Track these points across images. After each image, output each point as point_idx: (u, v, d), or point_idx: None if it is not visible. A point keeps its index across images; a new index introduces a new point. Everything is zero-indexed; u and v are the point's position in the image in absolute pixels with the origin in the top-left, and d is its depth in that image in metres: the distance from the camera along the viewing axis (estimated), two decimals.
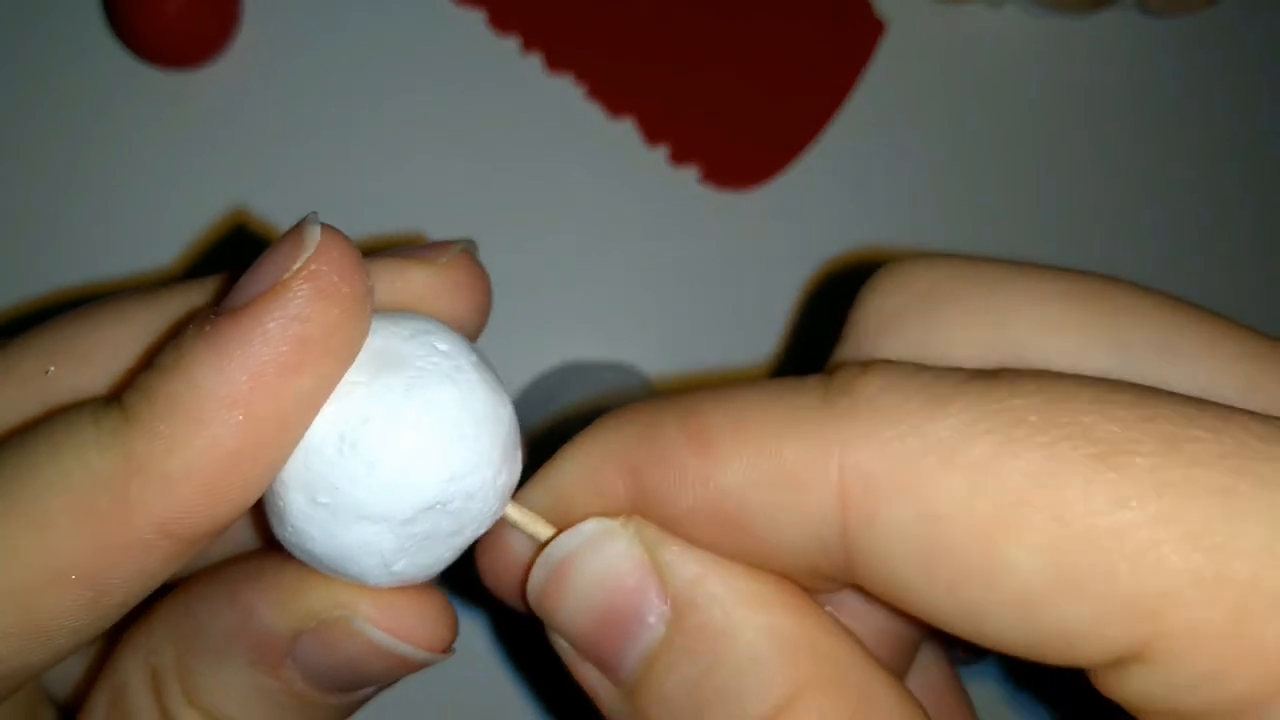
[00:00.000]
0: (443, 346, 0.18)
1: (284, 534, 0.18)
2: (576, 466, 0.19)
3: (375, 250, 0.20)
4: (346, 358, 0.17)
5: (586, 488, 0.18)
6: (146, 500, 0.16)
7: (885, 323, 0.19)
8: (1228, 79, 0.47)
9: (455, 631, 0.19)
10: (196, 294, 0.20)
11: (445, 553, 0.18)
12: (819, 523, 0.16)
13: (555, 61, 0.44)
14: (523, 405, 0.41)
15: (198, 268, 0.43)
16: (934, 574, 0.15)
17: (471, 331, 0.21)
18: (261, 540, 0.21)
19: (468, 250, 0.21)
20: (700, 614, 0.17)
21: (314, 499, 0.17)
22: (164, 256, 0.42)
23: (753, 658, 0.16)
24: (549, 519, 0.19)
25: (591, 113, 0.44)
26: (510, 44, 0.44)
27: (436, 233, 0.43)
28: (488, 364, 0.19)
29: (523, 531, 0.19)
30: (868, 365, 0.16)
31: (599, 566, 0.18)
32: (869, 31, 0.45)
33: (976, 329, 0.18)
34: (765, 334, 0.44)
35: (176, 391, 0.16)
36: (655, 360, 0.43)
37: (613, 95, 0.44)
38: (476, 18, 0.44)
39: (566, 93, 0.44)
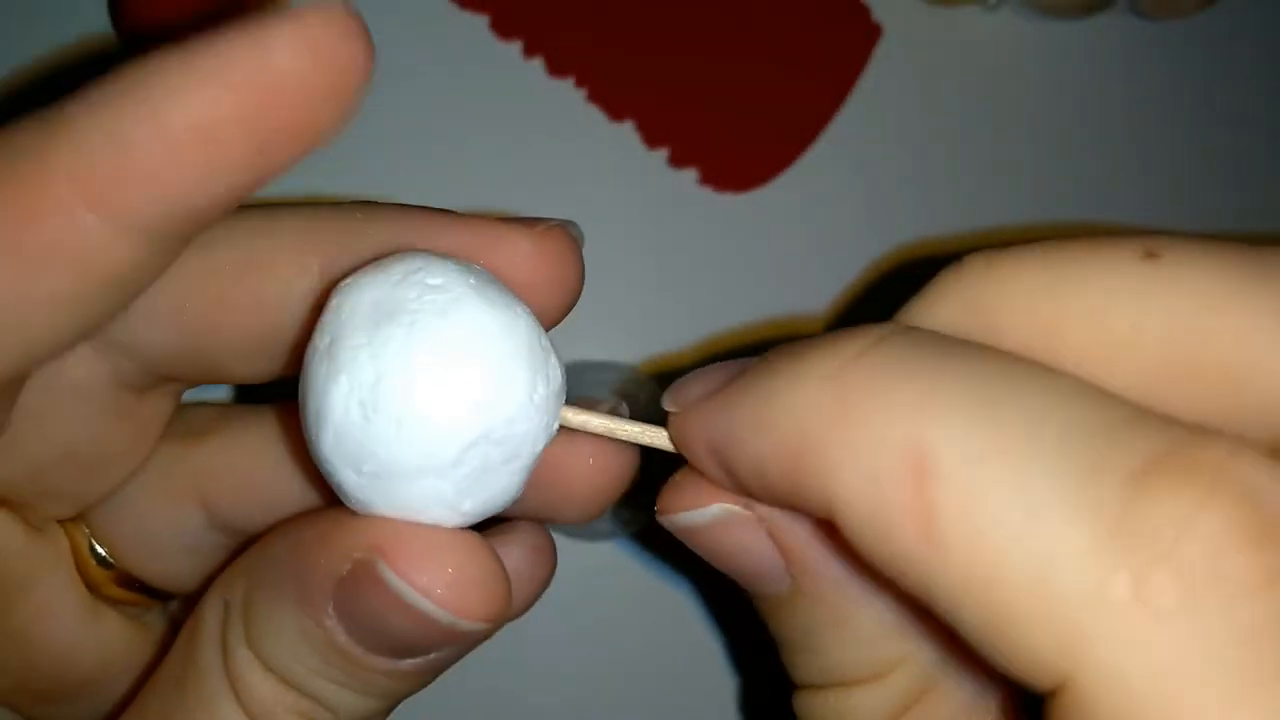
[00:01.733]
0: (435, 280, 0.17)
1: (353, 506, 0.18)
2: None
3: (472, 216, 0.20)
4: (311, 123, 0.16)
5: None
6: (60, 157, 0.16)
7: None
8: (1221, 82, 0.47)
9: (496, 603, 0.18)
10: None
11: (511, 479, 0.18)
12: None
13: (556, 66, 0.45)
14: None
15: None
16: None
17: (559, 310, 0.21)
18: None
19: (566, 226, 0.21)
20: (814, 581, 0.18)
21: (360, 470, 0.17)
22: None
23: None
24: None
25: (592, 116, 0.45)
26: (512, 48, 0.45)
27: None
28: (492, 283, 0.18)
29: (591, 432, 0.19)
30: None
31: (722, 542, 0.18)
32: (866, 35, 0.46)
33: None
34: (762, 334, 0.44)
35: (121, 79, 0.16)
36: (655, 360, 0.43)
37: (613, 99, 0.45)
38: (479, 22, 0.45)
39: (567, 96, 0.45)
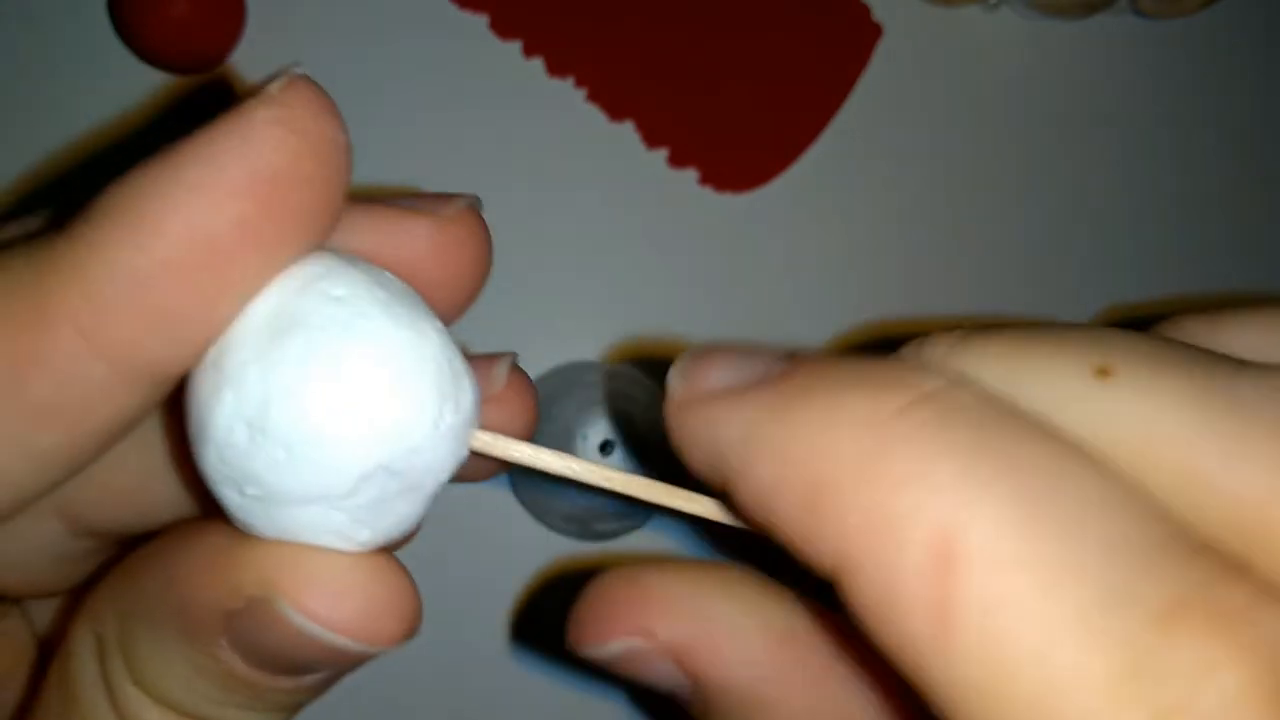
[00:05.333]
0: (338, 291, 0.16)
1: (237, 525, 0.16)
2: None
3: (371, 199, 0.19)
4: (309, 212, 0.15)
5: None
6: (64, 300, 0.14)
7: None
8: (1222, 81, 0.47)
9: (408, 624, 0.17)
10: None
11: (410, 509, 0.17)
12: None
13: (556, 66, 0.45)
14: None
15: None
16: None
17: (468, 294, 0.19)
18: (203, 511, 0.19)
19: (473, 205, 0.19)
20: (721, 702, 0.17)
21: (243, 492, 0.16)
22: None
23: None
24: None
25: (592, 116, 0.45)
26: (512, 48, 0.45)
27: None
28: (403, 295, 0.16)
29: (498, 457, 0.17)
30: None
31: (633, 670, 0.18)
32: (866, 35, 0.46)
33: None
34: (763, 335, 0.44)
35: (112, 202, 0.15)
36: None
37: (613, 99, 0.45)
38: (479, 22, 0.45)
39: (567, 96, 0.45)
